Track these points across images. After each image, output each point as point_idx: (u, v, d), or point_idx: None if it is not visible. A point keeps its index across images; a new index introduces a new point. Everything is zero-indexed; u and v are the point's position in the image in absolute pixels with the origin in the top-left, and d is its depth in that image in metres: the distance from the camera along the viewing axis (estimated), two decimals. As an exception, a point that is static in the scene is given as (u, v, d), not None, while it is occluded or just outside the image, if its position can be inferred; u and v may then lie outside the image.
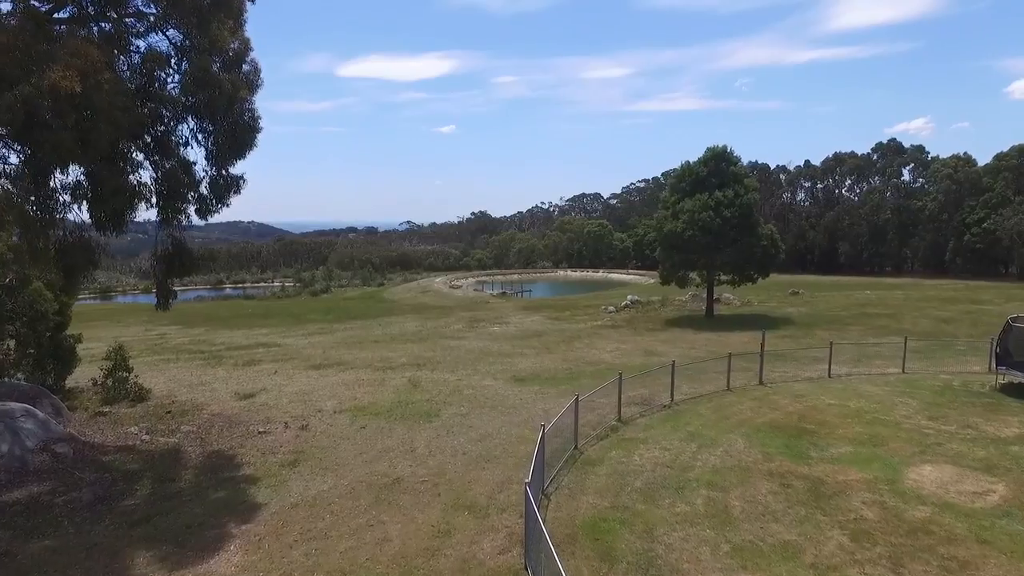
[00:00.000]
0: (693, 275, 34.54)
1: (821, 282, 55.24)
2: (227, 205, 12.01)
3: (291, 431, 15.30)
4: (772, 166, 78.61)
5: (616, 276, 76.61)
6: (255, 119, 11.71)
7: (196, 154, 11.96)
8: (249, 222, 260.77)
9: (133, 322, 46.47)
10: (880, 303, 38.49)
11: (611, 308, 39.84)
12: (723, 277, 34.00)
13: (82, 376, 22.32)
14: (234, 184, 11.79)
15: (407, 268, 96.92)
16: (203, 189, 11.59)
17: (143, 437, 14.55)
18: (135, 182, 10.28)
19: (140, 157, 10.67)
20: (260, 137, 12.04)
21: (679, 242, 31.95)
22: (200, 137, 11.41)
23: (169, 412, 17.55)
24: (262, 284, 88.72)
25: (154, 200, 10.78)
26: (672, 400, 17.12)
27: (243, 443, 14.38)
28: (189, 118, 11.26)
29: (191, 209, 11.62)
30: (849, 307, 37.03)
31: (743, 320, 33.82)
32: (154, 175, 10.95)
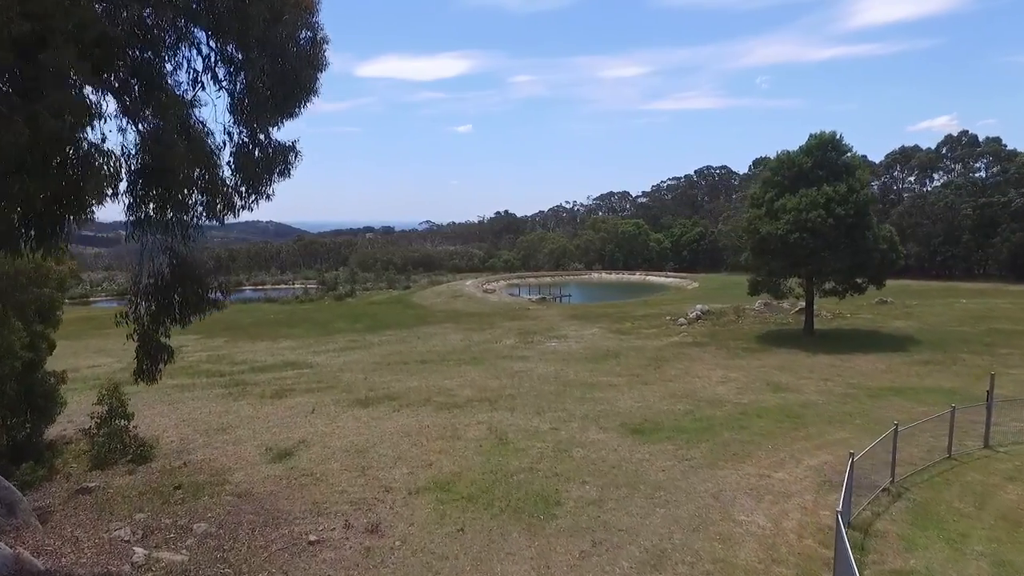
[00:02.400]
0: (791, 284, 28.98)
1: (893, 287, 49.35)
2: (267, 197, 6.79)
3: (355, 536, 10.02)
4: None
5: (655, 279, 70.97)
6: (318, 45, 6.45)
7: (214, 107, 6.72)
8: (267, 222, 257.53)
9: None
10: (997, 315, 32.77)
11: (682, 320, 34.36)
12: (826, 286, 28.42)
13: (77, 411, 17.38)
14: (280, 158, 6.58)
15: (430, 269, 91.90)
16: (224, 167, 6.38)
17: (136, 554, 9.30)
18: (89, 148, 5.03)
19: (108, 106, 5.46)
20: (321, 80, 6.75)
21: (781, 246, 26.41)
22: (221, 74, 6.20)
23: (179, 487, 12.35)
24: (282, 286, 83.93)
25: (126, 184, 5.60)
26: (893, 479, 11.67)
27: (288, 567, 9.10)
28: (201, 38, 6.04)
29: (204, 203, 6.37)
30: (964, 320, 31.34)
31: (853, 338, 28.22)
32: (136, 138, 5.74)
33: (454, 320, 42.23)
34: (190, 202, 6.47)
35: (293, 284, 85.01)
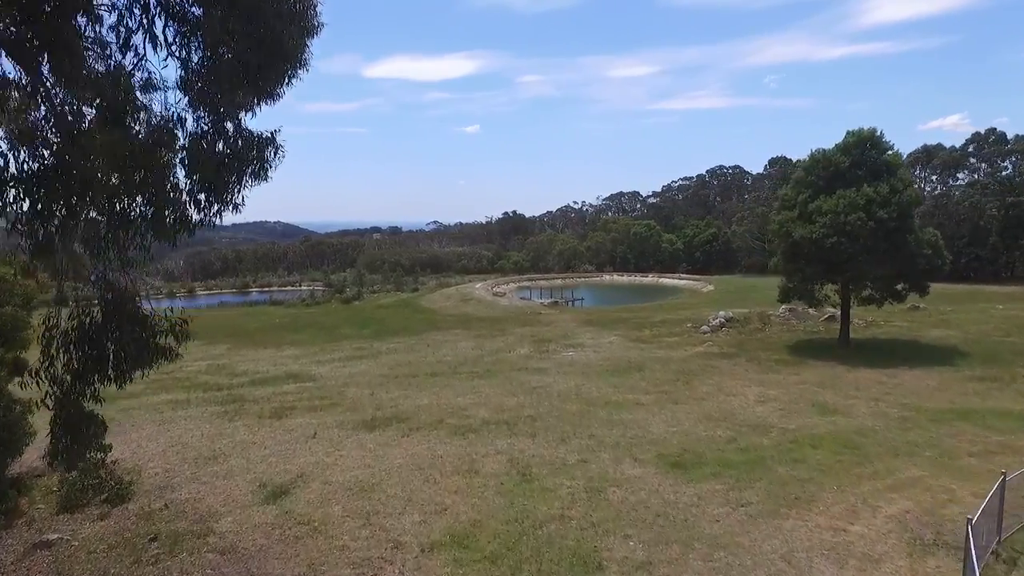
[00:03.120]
0: (826, 291, 26.93)
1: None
2: (234, 207, 5.00)
3: (358, 615, 8.21)
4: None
5: (667, 281, 68.90)
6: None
7: (164, 90, 4.96)
8: (275, 222, 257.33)
9: (149, 336, 40.08)
10: (1041, 323, 30.61)
11: (705, 328, 32.40)
12: (863, 294, 26.37)
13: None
14: (253, 155, 4.80)
15: (438, 271, 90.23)
16: (176, 171, 4.58)
17: (87, 643, 7.51)
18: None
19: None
20: (312, 48, 4.92)
21: (816, 251, 24.42)
22: (170, 35, 4.41)
23: (155, 539, 10.57)
24: (289, 288, 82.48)
25: (15, 192, 3.80)
26: (1000, 538, 9.74)
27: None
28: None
29: (149, 216, 4.56)
30: (1009, 329, 29.22)
31: (893, 349, 26.17)
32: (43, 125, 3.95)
33: (464, 326, 40.48)
34: (132, 215, 4.66)
35: (300, 286, 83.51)
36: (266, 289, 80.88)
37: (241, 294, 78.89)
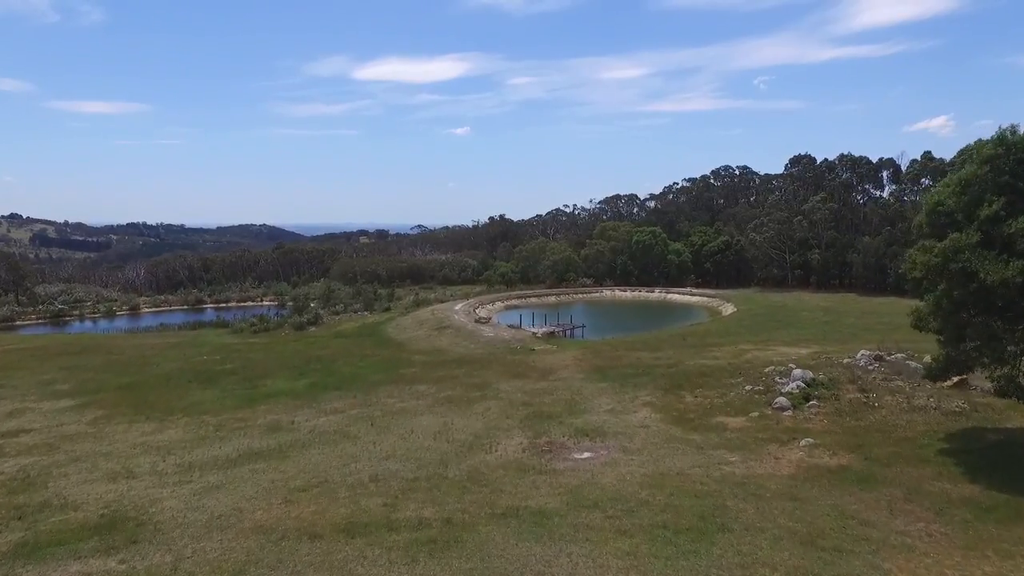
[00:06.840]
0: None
1: None
2: None
3: None
4: (873, 159, 58.69)
5: (678, 298, 57.70)
6: None
7: None
8: (260, 225, 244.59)
9: (16, 391, 27.94)
10: None
11: (781, 400, 21.00)
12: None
13: None
14: None
15: (418, 281, 78.58)
16: None
17: None
18: None
19: None
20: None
21: (1013, 299, 13.16)
22: None
23: None
24: (249, 303, 70.33)
25: None
26: None
27: None
28: None
29: None
30: None
31: None
32: None
33: (434, 375, 29.06)
34: None
35: (262, 300, 71.42)
36: (222, 305, 68.69)
37: (194, 311, 66.69)
